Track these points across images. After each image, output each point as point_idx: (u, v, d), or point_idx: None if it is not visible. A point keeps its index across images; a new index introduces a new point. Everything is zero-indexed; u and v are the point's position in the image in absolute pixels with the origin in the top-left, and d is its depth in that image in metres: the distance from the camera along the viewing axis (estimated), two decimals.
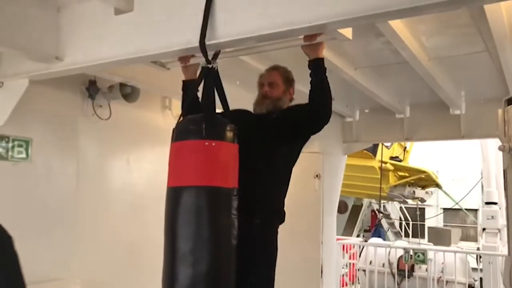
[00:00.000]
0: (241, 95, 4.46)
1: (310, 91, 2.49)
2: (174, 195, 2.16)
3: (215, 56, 2.28)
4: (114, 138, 4.05)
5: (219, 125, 2.20)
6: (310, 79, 2.50)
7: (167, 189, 2.20)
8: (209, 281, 2.06)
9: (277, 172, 2.61)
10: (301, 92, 2.81)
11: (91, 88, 3.71)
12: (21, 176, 3.33)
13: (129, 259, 3.99)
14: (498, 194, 6.93)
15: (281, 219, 2.60)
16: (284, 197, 2.64)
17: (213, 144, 2.12)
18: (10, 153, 3.22)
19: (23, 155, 3.32)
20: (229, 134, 2.19)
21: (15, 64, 3.00)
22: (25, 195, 3.37)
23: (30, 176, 3.40)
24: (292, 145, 2.65)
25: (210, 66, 2.27)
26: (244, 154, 2.24)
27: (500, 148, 2.33)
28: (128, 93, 3.77)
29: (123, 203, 4.10)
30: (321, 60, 2.45)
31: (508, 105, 2.44)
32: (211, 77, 2.27)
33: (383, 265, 7.28)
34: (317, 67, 2.44)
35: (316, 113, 2.53)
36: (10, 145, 3.22)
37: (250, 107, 4.56)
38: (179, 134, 2.21)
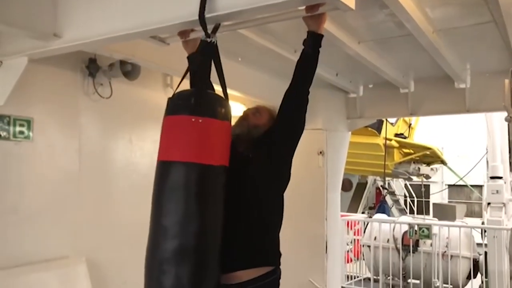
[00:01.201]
0: (242, 72, 4.43)
1: (298, 61, 2.41)
2: (163, 169, 2.14)
3: (215, 30, 2.23)
4: (116, 117, 4.03)
5: (209, 101, 2.15)
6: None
7: (156, 163, 2.18)
8: (191, 256, 2.02)
9: (272, 217, 2.39)
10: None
11: (91, 66, 3.68)
12: (23, 156, 3.33)
13: (133, 237, 3.99)
14: (503, 168, 6.90)
15: (278, 262, 2.38)
16: (279, 230, 2.40)
17: (200, 120, 2.08)
18: (11, 133, 3.21)
19: (25, 135, 3.31)
20: (220, 111, 2.14)
21: (13, 43, 2.96)
22: (28, 175, 3.38)
23: (33, 155, 3.40)
24: (282, 166, 2.42)
25: (209, 40, 2.22)
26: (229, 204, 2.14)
27: (506, 119, 2.30)
28: (129, 70, 3.73)
29: (127, 183, 4.11)
30: (320, 36, 2.39)
31: None
32: (208, 51, 2.22)
33: (388, 240, 7.31)
34: (314, 41, 2.37)
35: (298, 88, 2.37)
36: (11, 124, 3.20)
37: (250, 84, 4.55)
38: (170, 108, 2.19)
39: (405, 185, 14.80)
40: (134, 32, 2.46)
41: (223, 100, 2.21)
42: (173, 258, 2.01)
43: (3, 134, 3.17)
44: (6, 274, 3.15)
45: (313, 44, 2.39)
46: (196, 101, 2.10)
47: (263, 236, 2.34)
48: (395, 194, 14.60)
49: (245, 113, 2.58)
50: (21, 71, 3.00)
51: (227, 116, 2.18)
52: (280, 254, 2.40)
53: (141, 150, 4.26)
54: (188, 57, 2.59)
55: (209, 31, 2.21)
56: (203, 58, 2.24)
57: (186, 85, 2.37)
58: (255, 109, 2.58)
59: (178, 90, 2.27)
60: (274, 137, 2.39)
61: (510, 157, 2.47)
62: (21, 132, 3.27)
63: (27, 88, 3.27)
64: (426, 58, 3.97)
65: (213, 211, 2.10)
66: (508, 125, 2.45)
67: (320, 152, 5.38)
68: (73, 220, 3.65)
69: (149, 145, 4.29)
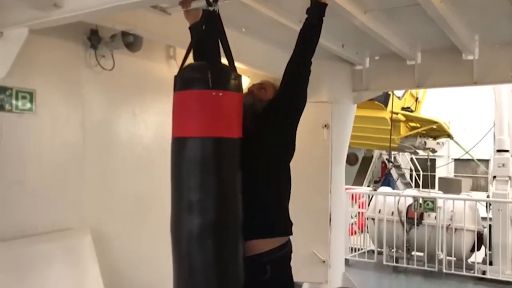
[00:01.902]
0: (246, 43, 4.37)
1: (300, 30, 2.37)
2: (179, 145, 2.13)
3: None
4: (119, 89, 4.00)
5: (225, 74, 2.12)
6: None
7: (172, 140, 2.16)
8: (216, 231, 2.05)
9: (281, 186, 2.40)
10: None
11: (93, 37, 3.64)
12: (26, 128, 3.33)
13: (137, 209, 4.04)
14: (510, 141, 6.85)
15: (290, 233, 2.41)
16: (288, 200, 2.43)
17: (220, 94, 2.06)
18: (14, 105, 3.21)
19: (28, 107, 3.30)
20: (234, 83, 2.12)
21: (13, 13, 2.93)
22: (32, 147, 3.39)
23: (36, 127, 3.40)
24: (287, 138, 2.42)
25: (211, 9, 2.18)
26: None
27: None
28: (131, 42, 3.68)
29: (131, 155, 4.12)
30: (324, 5, 2.34)
31: None
32: (212, 21, 2.18)
33: (392, 213, 7.33)
34: (318, 10, 2.32)
35: (300, 59, 2.35)
36: (14, 96, 3.19)
37: (255, 55, 4.50)
38: (184, 82, 2.15)
39: (411, 159, 14.76)
40: (134, 2, 2.42)
41: (236, 72, 2.19)
42: (198, 233, 2.04)
43: (6, 106, 3.16)
44: (12, 244, 3.20)
45: (316, 13, 2.34)
46: (213, 75, 2.06)
47: (275, 207, 2.37)
48: (401, 168, 14.57)
49: (249, 89, 2.56)
50: (22, 42, 2.97)
51: (240, 88, 2.18)
52: (291, 223, 2.43)
53: (144, 123, 4.25)
54: (190, 28, 2.54)
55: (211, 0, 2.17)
56: (209, 28, 2.20)
57: (190, 58, 2.33)
58: (259, 85, 2.56)
59: (184, 63, 2.23)
60: (278, 109, 2.38)
61: None
62: (24, 104, 3.27)
63: (29, 60, 3.25)
64: (434, 29, 3.90)
65: (232, 185, 2.11)
66: None
67: (325, 125, 5.35)
68: (78, 192, 3.67)
69: (153, 117, 4.29)
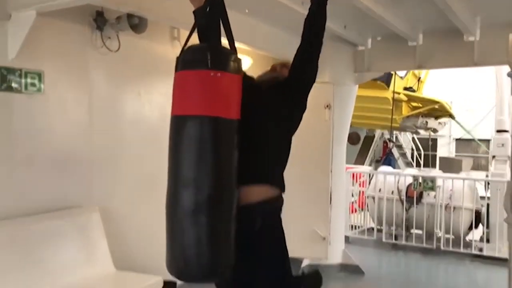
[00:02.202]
0: (249, 24, 4.41)
1: (305, 18, 2.44)
2: (178, 123, 2.19)
3: None
4: (125, 70, 4.08)
5: (224, 55, 2.18)
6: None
7: (171, 118, 2.23)
8: (210, 207, 2.11)
9: (281, 149, 2.50)
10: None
11: (99, 19, 3.70)
12: (36, 108, 3.43)
13: (143, 186, 4.16)
14: (510, 122, 6.90)
15: (283, 190, 2.49)
16: (284, 167, 2.53)
17: (218, 74, 2.13)
18: (23, 86, 3.29)
19: (37, 88, 3.38)
20: (234, 65, 2.18)
21: None
22: (41, 127, 3.48)
23: (45, 107, 3.49)
24: (294, 112, 2.53)
25: None
26: (245, 140, 2.22)
27: (509, 74, 2.32)
28: (136, 24, 3.74)
29: (137, 134, 4.21)
30: None
31: None
32: (215, 5, 2.24)
33: (392, 192, 7.43)
34: None
35: (308, 47, 2.43)
36: (23, 77, 3.28)
37: (257, 36, 4.54)
38: (184, 63, 2.22)
39: (413, 138, 14.84)
40: None
41: (236, 54, 2.26)
42: (193, 209, 2.10)
43: (16, 86, 3.25)
44: (23, 221, 3.32)
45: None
46: (212, 56, 2.13)
47: (274, 161, 2.45)
48: (402, 148, 14.66)
49: (273, 66, 2.65)
50: (30, 24, 3.06)
51: (240, 70, 2.24)
52: (284, 187, 2.49)
53: (149, 103, 4.34)
54: (194, 12, 2.60)
55: None
56: (212, 11, 2.26)
57: (194, 39, 2.40)
58: (281, 64, 2.63)
59: (186, 45, 2.30)
60: (290, 86, 2.46)
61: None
62: (33, 85, 3.35)
63: (37, 42, 3.32)
64: (435, 11, 3.94)
65: (228, 164, 2.17)
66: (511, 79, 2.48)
67: (327, 106, 5.42)
68: (86, 170, 3.79)
69: (158, 97, 4.36)
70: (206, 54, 2.13)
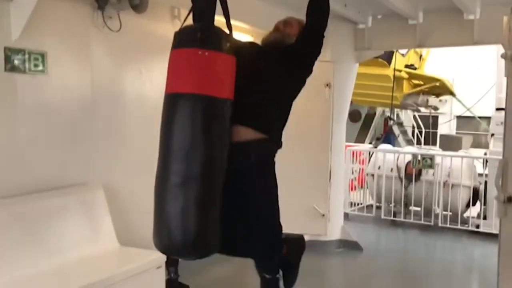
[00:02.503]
0: (249, 2, 4.41)
1: (308, 6, 2.49)
2: (171, 101, 2.27)
3: None
4: (126, 49, 4.11)
5: (215, 35, 2.23)
6: None
7: (164, 96, 2.30)
8: (198, 180, 2.18)
9: (281, 106, 2.60)
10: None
11: None
12: (39, 88, 3.47)
13: (145, 164, 4.19)
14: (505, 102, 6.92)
15: (279, 146, 2.60)
16: (284, 126, 2.64)
17: (206, 53, 2.18)
18: (27, 66, 3.34)
19: (40, 68, 3.43)
20: (225, 45, 2.24)
21: None
22: (45, 106, 3.54)
23: (48, 87, 3.53)
24: (296, 77, 2.63)
25: None
26: (248, 88, 2.32)
27: (502, 56, 2.37)
28: (137, 4, 3.77)
29: (138, 113, 4.27)
30: None
31: None
32: None
33: (391, 170, 7.53)
34: None
35: (313, 30, 2.52)
36: (26, 58, 3.32)
37: (257, 14, 4.55)
38: (177, 41, 2.28)
39: (414, 116, 14.87)
40: None
41: (229, 35, 2.30)
42: (180, 184, 2.18)
43: (20, 66, 3.29)
44: (28, 199, 3.39)
45: None
46: (202, 35, 2.19)
47: (274, 119, 2.56)
48: (403, 125, 14.70)
49: (276, 25, 2.72)
50: (33, 6, 3.09)
51: (232, 51, 2.28)
52: (281, 143, 2.59)
53: (150, 82, 4.38)
54: None
55: None
56: None
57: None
58: (284, 21, 2.70)
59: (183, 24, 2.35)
60: (294, 55, 2.55)
61: (507, 90, 2.55)
62: (36, 65, 3.40)
63: (40, 22, 3.34)
64: None
65: (218, 142, 2.25)
66: (505, 61, 2.53)
67: (327, 84, 5.46)
68: (89, 148, 3.85)
69: (158, 76, 4.39)
70: (197, 33, 2.19)
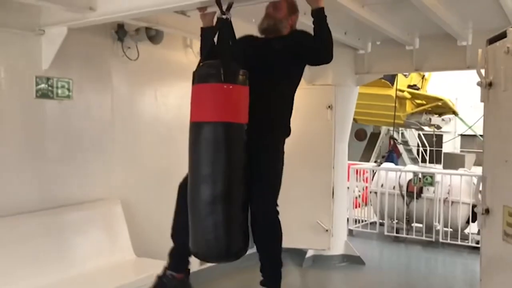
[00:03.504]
0: (256, 32, 4.75)
1: (314, 39, 2.83)
2: (196, 129, 2.61)
3: (229, 7, 2.63)
4: (143, 76, 4.48)
5: (234, 70, 2.58)
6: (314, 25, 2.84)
7: (190, 124, 2.64)
8: (224, 199, 2.55)
9: (285, 96, 2.97)
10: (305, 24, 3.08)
11: (120, 31, 4.09)
12: (66, 112, 3.84)
13: (159, 181, 4.53)
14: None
15: (288, 134, 2.99)
16: (290, 115, 3.01)
17: (231, 87, 2.53)
18: (55, 93, 3.70)
19: (66, 94, 3.80)
20: (242, 78, 2.60)
21: (54, 15, 3.42)
22: (70, 128, 3.90)
23: (73, 111, 3.90)
24: (296, 69, 3.00)
25: (224, 17, 2.62)
26: (255, 81, 2.63)
27: (478, 84, 2.66)
28: (153, 35, 4.15)
29: (153, 134, 4.61)
30: (322, 9, 2.76)
31: (490, 44, 2.72)
32: (225, 28, 2.63)
33: (394, 187, 7.74)
34: (319, 18, 2.76)
35: (319, 54, 2.89)
36: (55, 85, 3.69)
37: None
38: (200, 77, 2.62)
39: (419, 135, 15.09)
40: (160, 9, 2.88)
41: (243, 69, 2.64)
42: (211, 200, 2.54)
43: (49, 93, 3.66)
44: (53, 213, 3.71)
45: (318, 22, 2.79)
46: (225, 71, 2.53)
47: (281, 110, 2.96)
48: (408, 144, 14.92)
49: (266, 12, 3.04)
50: (62, 39, 3.47)
51: (246, 82, 2.64)
52: (290, 131, 3.00)
53: (165, 105, 4.73)
54: (202, 28, 2.96)
55: (224, 9, 2.61)
56: (222, 33, 2.64)
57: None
58: (273, 5, 3.00)
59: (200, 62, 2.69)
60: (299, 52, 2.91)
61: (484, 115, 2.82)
62: (63, 92, 3.76)
63: (66, 53, 3.70)
64: (429, 18, 4.22)
65: (238, 162, 2.60)
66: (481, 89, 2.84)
67: (329, 106, 5.75)
68: (109, 167, 4.19)
69: (172, 100, 4.76)
70: (220, 70, 2.53)
